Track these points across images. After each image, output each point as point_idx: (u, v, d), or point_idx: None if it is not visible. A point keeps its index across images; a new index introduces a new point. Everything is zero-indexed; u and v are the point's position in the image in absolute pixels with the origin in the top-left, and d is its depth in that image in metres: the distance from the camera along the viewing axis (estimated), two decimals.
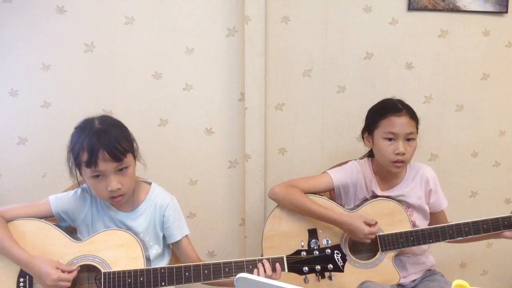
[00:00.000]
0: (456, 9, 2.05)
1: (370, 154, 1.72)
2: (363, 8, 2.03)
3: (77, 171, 1.40)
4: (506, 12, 2.09)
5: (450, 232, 1.56)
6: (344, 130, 2.11)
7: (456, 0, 2.04)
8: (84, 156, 1.33)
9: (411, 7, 2.03)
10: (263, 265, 1.36)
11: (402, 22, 2.05)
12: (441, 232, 1.57)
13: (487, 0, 2.06)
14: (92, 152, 1.32)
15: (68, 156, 1.40)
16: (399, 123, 1.56)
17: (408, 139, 1.57)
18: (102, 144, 1.33)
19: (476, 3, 2.05)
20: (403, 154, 1.56)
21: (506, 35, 2.13)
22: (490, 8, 2.07)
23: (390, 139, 1.57)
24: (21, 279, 1.38)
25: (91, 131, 1.35)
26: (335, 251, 1.36)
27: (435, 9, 2.05)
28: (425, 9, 2.04)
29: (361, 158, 1.75)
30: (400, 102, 1.64)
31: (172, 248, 1.59)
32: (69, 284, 1.33)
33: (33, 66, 1.89)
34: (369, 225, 1.55)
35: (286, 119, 2.09)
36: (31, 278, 1.38)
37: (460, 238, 1.56)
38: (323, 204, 1.63)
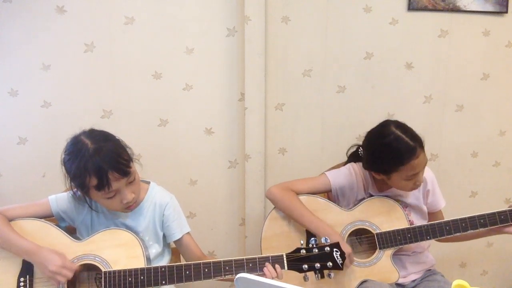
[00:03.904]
0: (456, 9, 2.05)
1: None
2: (363, 8, 2.03)
3: (83, 194, 1.38)
4: (506, 12, 2.09)
5: (447, 228, 1.56)
6: (344, 130, 2.11)
7: (456, 0, 2.04)
8: (93, 181, 1.30)
9: (411, 7, 2.03)
10: (269, 271, 1.36)
11: (402, 22, 2.06)
12: (438, 228, 1.56)
13: (487, 0, 2.06)
14: (101, 176, 1.29)
15: (68, 182, 1.36)
16: (419, 163, 1.51)
17: None
18: (108, 164, 1.29)
19: (476, 3, 2.05)
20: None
21: (506, 35, 2.13)
22: (490, 8, 2.07)
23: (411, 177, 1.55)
24: (21, 279, 1.37)
25: (89, 154, 1.29)
26: (334, 249, 1.36)
27: (435, 9, 2.05)
28: (425, 9, 2.05)
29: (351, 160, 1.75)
30: (405, 133, 1.53)
31: (175, 246, 1.59)
32: (70, 274, 1.32)
33: (33, 66, 1.89)
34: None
35: (286, 119, 2.09)
36: (31, 278, 1.38)
37: (458, 234, 1.55)
38: (321, 204, 1.63)
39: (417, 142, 1.52)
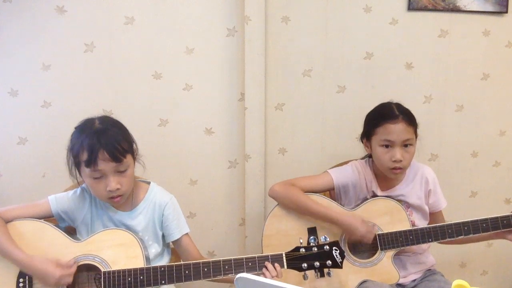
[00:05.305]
0: (456, 9, 2.05)
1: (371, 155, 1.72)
2: (363, 8, 2.03)
3: (77, 170, 1.40)
4: (506, 12, 2.09)
5: (450, 231, 1.56)
6: (344, 130, 2.11)
7: (456, 0, 2.04)
8: (84, 156, 1.33)
9: (411, 7, 2.03)
10: (268, 270, 1.36)
11: (402, 22, 2.05)
12: (440, 231, 1.56)
13: (487, 0, 2.06)
14: (92, 151, 1.32)
15: (68, 155, 1.40)
16: (395, 130, 1.54)
17: (406, 145, 1.56)
18: (102, 144, 1.33)
19: (476, 3, 2.05)
20: (400, 161, 1.55)
21: (506, 35, 2.13)
22: (490, 8, 2.07)
23: (386, 146, 1.56)
24: (21, 279, 1.37)
25: (91, 131, 1.35)
26: (333, 248, 1.37)
27: (435, 9, 2.05)
28: (425, 9, 2.05)
29: (362, 158, 1.75)
30: (398, 106, 1.61)
31: (173, 246, 1.59)
32: (71, 279, 1.34)
33: (33, 66, 1.89)
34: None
35: (286, 119, 2.09)
36: (30, 278, 1.38)
37: (459, 237, 1.56)
38: (323, 203, 1.63)
39: (403, 115, 1.56)
